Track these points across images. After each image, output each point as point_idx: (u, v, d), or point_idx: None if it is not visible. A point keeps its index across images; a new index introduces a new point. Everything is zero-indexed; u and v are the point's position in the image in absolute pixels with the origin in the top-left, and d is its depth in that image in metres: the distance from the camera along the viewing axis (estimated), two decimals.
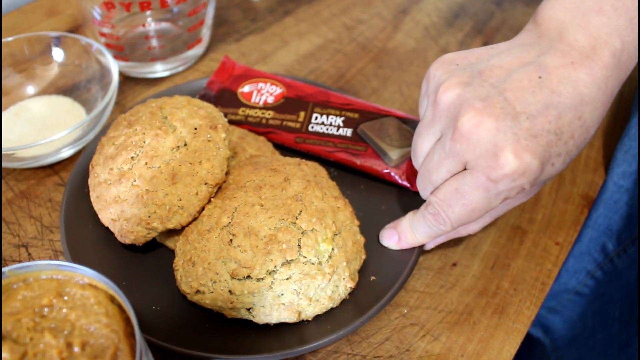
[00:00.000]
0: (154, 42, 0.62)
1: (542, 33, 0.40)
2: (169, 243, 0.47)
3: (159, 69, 0.65)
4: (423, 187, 0.43)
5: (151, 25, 0.62)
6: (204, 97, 0.57)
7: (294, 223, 0.42)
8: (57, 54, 0.61)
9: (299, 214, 0.42)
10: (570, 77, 0.37)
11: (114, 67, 0.57)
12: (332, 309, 0.43)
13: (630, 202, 0.58)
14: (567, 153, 0.38)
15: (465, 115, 0.37)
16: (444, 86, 0.40)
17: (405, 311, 0.46)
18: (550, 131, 0.36)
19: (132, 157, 0.45)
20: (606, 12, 0.38)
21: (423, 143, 0.43)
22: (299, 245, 0.41)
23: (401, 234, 0.46)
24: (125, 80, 0.65)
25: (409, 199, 0.50)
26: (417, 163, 0.43)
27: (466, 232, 0.47)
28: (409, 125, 0.52)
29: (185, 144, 0.45)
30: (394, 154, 0.50)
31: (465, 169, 0.39)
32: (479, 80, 0.39)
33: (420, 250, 0.47)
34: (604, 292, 0.63)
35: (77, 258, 0.45)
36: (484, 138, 0.37)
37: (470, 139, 0.37)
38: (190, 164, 0.44)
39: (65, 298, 0.32)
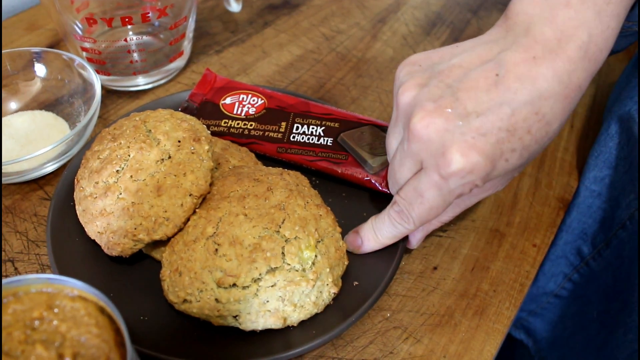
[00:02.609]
0: (136, 56, 0.63)
1: (509, 27, 0.40)
2: (155, 254, 0.47)
3: (141, 82, 0.66)
4: (391, 185, 0.45)
5: (133, 39, 0.63)
6: (186, 110, 0.58)
7: (278, 231, 0.43)
8: (39, 69, 0.62)
9: (282, 223, 0.43)
10: (529, 72, 0.38)
11: (97, 81, 0.57)
12: (316, 314, 0.44)
13: (602, 206, 0.59)
14: (525, 148, 0.39)
15: (416, 116, 0.39)
16: (402, 88, 0.41)
17: (388, 315, 0.48)
18: (501, 128, 0.37)
19: (117, 171, 0.46)
20: (573, 5, 0.38)
21: (391, 142, 0.45)
22: (282, 253, 0.42)
23: (364, 237, 0.48)
24: (108, 93, 0.66)
25: None
26: (389, 161, 0.45)
27: (439, 222, 0.48)
28: None
29: (170, 157, 0.46)
30: (374, 162, 0.51)
31: (421, 169, 0.41)
32: (435, 81, 0.40)
33: (402, 254, 0.48)
34: (581, 294, 0.65)
35: (64, 272, 0.46)
36: (433, 138, 0.38)
37: (421, 139, 0.39)
38: (175, 176, 0.45)
39: (56, 310, 0.32)
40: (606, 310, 0.60)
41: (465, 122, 0.38)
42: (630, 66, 0.66)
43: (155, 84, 0.67)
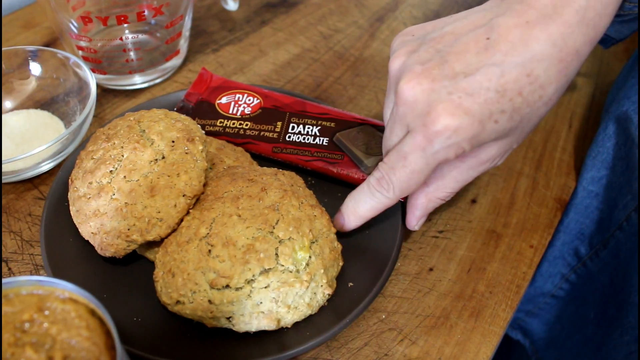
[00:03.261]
0: (132, 55, 0.63)
1: None
2: (149, 255, 0.47)
3: (137, 81, 0.66)
4: (383, 155, 0.44)
5: (129, 37, 0.62)
6: (182, 109, 0.58)
7: (271, 232, 0.43)
8: (35, 67, 0.62)
9: (276, 223, 0.43)
10: (522, 35, 0.37)
11: (92, 80, 0.57)
12: (310, 315, 0.44)
13: (600, 207, 0.59)
14: (515, 110, 0.38)
15: (404, 79, 0.39)
16: (394, 56, 0.41)
17: (384, 316, 0.47)
18: (489, 89, 0.37)
19: (110, 171, 0.45)
20: None
21: (386, 113, 0.45)
22: (276, 254, 0.42)
23: (344, 213, 0.47)
24: (104, 92, 0.66)
25: None
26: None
27: (438, 198, 0.46)
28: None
29: (163, 157, 0.45)
30: (370, 162, 0.51)
31: (408, 133, 0.40)
32: (426, 47, 0.40)
33: (397, 255, 0.48)
34: (578, 295, 0.64)
35: (57, 272, 0.46)
36: (420, 99, 0.38)
37: (407, 101, 0.39)
38: (169, 176, 0.45)
39: (46, 313, 0.32)
40: (603, 311, 0.60)
41: (452, 82, 0.37)
42: (628, 66, 0.66)
43: (152, 83, 0.67)
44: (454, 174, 0.45)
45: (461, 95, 0.37)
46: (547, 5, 0.38)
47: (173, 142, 0.46)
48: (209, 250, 0.42)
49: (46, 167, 0.55)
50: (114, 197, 0.45)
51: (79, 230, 0.47)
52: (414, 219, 0.48)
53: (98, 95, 0.65)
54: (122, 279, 0.47)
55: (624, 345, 0.54)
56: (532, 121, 0.40)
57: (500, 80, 0.37)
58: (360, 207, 0.45)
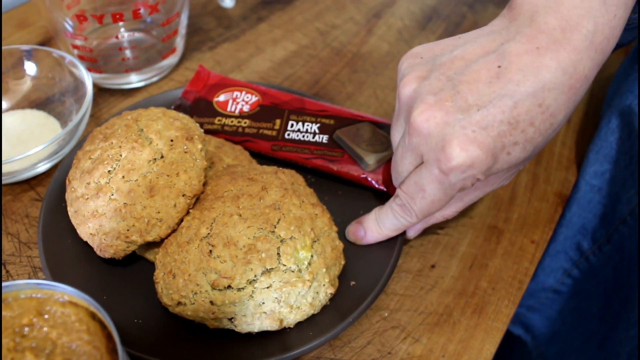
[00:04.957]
0: (128, 53, 0.62)
1: (513, 17, 0.39)
2: (149, 255, 0.47)
3: (134, 80, 0.65)
4: (394, 178, 0.45)
5: (124, 36, 0.62)
6: (179, 107, 0.57)
7: (273, 232, 0.42)
8: (30, 67, 0.61)
9: (277, 223, 0.43)
10: (532, 63, 0.37)
11: (88, 79, 0.56)
12: (313, 315, 0.43)
13: (603, 201, 0.59)
14: (528, 141, 0.38)
15: (417, 110, 0.38)
16: (404, 81, 0.41)
17: (386, 314, 0.47)
18: (503, 121, 0.37)
19: (109, 171, 0.45)
20: None
21: (394, 135, 0.45)
22: (278, 253, 0.42)
23: (367, 229, 0.48)
24: (100, 92, 0.65)
25: None
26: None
27: (442, 216, 0.48)
28: (384, 130, 0.53)
29: (162, 156, 0.45)
30: (370, 159, 0.51)
31: (422, 162, 0.40)
32: (437, 73, 0.39)
33: (399, 253, 0.47)
34: (581, 290, 0.64)
35: (56, 274, 0.45)
36: (434, 132, 0.37)
37: (422, 133, 0.38)
38: (168, 176, 0.44)
39: (46, 317, 0.32)
40: (607, 306, 0.60)
41: (465, 115, 0.37)
42: (629, 59, 0.66)
43: (148, 82, 0.66)
44: (461, 196, 0.46)
45: (475, 129, 0.37)
46: (555, 29, 0.37)
47: (172, 141, 0.46)
48: (210, 251, 0.42)
49: (43, 167, 0.55)
50: (112, 197, 0.44)
51: (78, 231, 0.46)
52: (414, 231, 0.49)
53: (94, 94, 0.64)
54: (122, 280, 0.47)
55: (630, 340, 0.53)
56: (542, 147, 0.41)
57: (513, 112, 0.37)
58: (384, 227, 0.47)
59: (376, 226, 0.47)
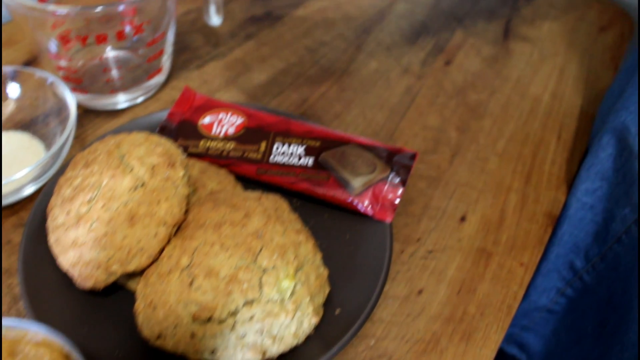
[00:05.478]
0: (114, 73, 0.62)
1: None
2: (131, 285, 0.46)
3: (120, 100, 0.64)
4: None
5: (110, 56, 0.61)
6: (164, 130, 0.57)
7: (255, 261, 0.42)
8: (13, 88, 0.60)
9: (260, 252, 0.42)
10: None
11: (72, 100, 0.56)
12: (297, 345, 0.43)
13: (595, 219, 0.58)
14: None
15: None
16: None
17: (372, 342, 0.46)
18: None
19: (89, 200, 0.44)
20: None
21: None
22: (260, 283, 0.41)
23: None
24: (85, 113, 0.64)
25: (374, 227, 0.50)
26: None
27: None
28: (371, 152, 0.52)
29: (143, 184, 0.44)
30: (356, 182, 0.50)
31: None
32: None
33: (386, 278, 0.47)
34: (575, 308, 0.63)
35: (36, 304, 0.44)
36: None
37: None
38: (149, 204, 0.43)
39: (19, 357, 0.31)
40: (601, 326, 0.59)
41: None
42: (623, 75, 0.65)
43: (134, 102, 0.65)
44: None
45: None
46: None
47: (153, 167, 0.45)
48: (191, 282, 0.41)
49: (27, 191, 0.54)
50: (92, 226, 0.43)
51: (58, 261, 0.45)
52: None
53: (79, 115, 0.64)
54: (103, 310, 0.46)
55: None
56: None
57: None
58: None
59: None
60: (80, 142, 0.61)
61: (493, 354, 0.46)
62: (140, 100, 0.66)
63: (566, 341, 0.65)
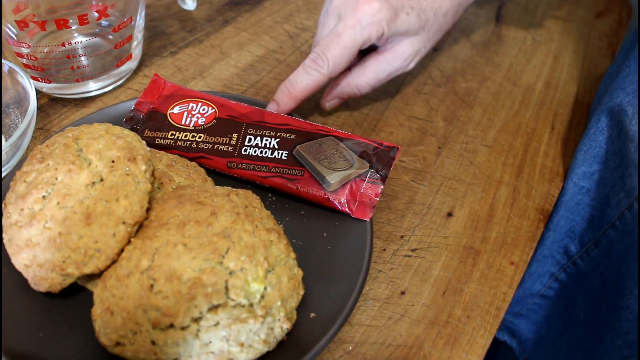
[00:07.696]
0: (79, 61, 0.58)
1: None
2: (91, 286, 0.43)
3: (88, 89, 0.61)
4: (313, 46, 0.57)
5: (74, 42, 0.57)
6: (132, 120, 0.53)
7: (221, 263, 0.38)
8: None
9: (226, 253, 0.39)
10: None
11: (31, 89, 0.52)
12: (268, 352, 0.39)
13: (591, 203, 0.56)
14: (422, 10, 0.54)
15: None
16: None
17: (350, 348, 0.43)
18: None
19: (43, 197, 0.41)
20: None
21: (320, 20, 0.58)
22: (226, 287, 0.38)
23: (278, 100, 0.54)
24: (51, 102, 0.61)
25: (354, 225, 0.47)
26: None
27: (356, 86, 0.57)
28: (350, 145, 0.49)
29: (102, 180, 0.41)
30: (333, 178, 0.47)
31: (340, 20, 0.53)
32: None
33: (365, 278, 0.43)
34: (568, 294, 0.61)
35: None
36: None
37: None
38: (107, 201, 0.40)
39: None
40: (594, 313, 0.57)
41: None
42: (622, 55, 0.63)
43: (103, 91, 0.62)
44: (373, 65, 0.56)
45: None
46: None
47: (113, 162, 0.42)
48: (151, 285, 0.38)
49: None
50: (46, 225, 0.40)
51: (12, 261, 0.42)
52: (329, 96, 0.58)
53: (45, 105, 0.60)
54: (62, 314, 0.42)
55: (616, 350, 0.51)
56: (434, 28, 0.56)
57: None
58: (295, 88, 0.53)
59: (287, 90, 0.53)
60: (45, 133, 0.58)
61: None
62: (109, 88, 0.62)
63: (558, 327, 0.63)
